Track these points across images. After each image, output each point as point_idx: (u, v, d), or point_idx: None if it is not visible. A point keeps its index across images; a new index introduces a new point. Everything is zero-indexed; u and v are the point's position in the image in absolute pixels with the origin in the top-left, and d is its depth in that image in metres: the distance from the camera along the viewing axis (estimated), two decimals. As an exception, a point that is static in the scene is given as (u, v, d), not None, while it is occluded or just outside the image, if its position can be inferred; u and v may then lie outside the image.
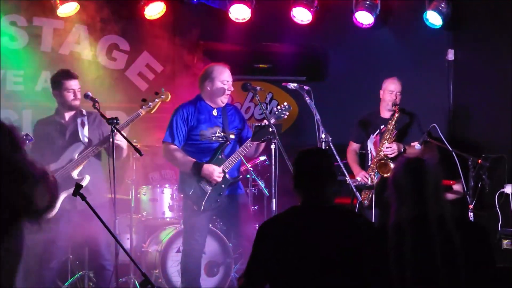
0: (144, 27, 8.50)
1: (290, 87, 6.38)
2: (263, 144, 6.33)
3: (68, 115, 6.52)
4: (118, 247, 5.34)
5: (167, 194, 7.87)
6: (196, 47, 8.60)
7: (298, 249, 3.81)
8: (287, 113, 6.35)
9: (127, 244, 7.45)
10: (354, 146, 7.55)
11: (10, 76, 8.37)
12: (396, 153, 7.14)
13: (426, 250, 3.62)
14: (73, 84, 6.47)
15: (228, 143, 6.31)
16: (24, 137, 6.22)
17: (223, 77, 6.34)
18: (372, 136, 7.36)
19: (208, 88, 6.36)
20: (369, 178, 7.17)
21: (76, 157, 6.34)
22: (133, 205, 7.72)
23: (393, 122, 7.24)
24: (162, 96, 6.45)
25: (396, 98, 7.33)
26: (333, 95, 8.81)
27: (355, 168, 7.37)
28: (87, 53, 8.56)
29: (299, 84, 6.39)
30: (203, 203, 6.22)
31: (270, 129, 5.92)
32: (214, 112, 6.39)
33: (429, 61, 9.09)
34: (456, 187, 7.57)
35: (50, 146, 6.42)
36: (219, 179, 6.19)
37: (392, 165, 7.04)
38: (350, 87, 8.91)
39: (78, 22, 8.45)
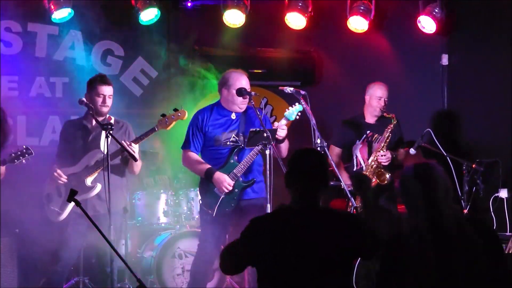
0: (139, 32, 8.51)
1: (286, 91, 6.39)
2: (283, 145, 6.27)
3: (94, 121, 6.46)
4: (114, 253, 5.33)
5: (162, 200, 7.87)
6: (191, 52, 8.60)
7: (297, 247, 3.81)
8: (299, 113, 6.30)
9: (122, 250, 7.43)
10: (336, 151, 7.43)
11: (5, 82, 8.35)
12: (390, 161, 7.13)
13: (449, 254, 3.63)
14: (106, 89, 6.48)
15: (241, 147, 6.30)
16: (24, 150, 6.24)
17: (239, 83, 6.33)
18: (358, 142, 7.33)
19: (225, 95, 6.38)
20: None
21: (92, 164, 6.35)
22: (128, 211, 7.70)
23: (389, 131, 7.20)
24: (179, 114, 6.45)
25: (384, 105, 7.30)
26: (328, 100, 8.81)
27: (343, 176, 7.26)
28: (82, 59, 8.55)
29: (295, 88, 6.40)
30: (216, 207, 6.25)
31: (265, 135, 5.92)
32: (233, 116, 6.39)
33: (423, 66, 9.11)
34: None
35: (72, 148, 6.48)
36: (227, 189, 6.19)
37: (387, 175, 7.04)
38: (344, 92, 8.92)
39: (72, 28, 8.45)
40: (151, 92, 8.72)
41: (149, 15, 8.34)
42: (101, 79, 6.53)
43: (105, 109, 6.49)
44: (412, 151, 7.17)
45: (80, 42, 8.54)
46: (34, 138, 8.32)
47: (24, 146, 6.38)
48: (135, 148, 6.28)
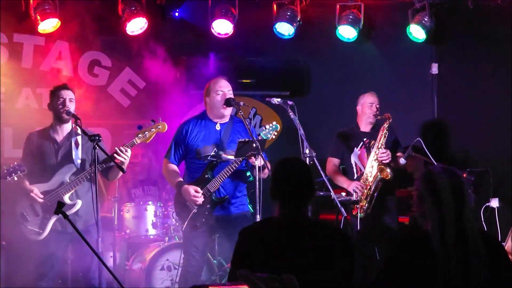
0: (126, 43, 8.51)
1: (273, 102, 6.39)
2: (263, 172, 6.09)
3: (61, 131, 6.41)
4: (102, 266, 5.34)
5: (150, 211, 7.88)
6: (178, 62, 8.61)
7: (273, 265, 3.73)
8: (275, 133, 6.30)
9: (110, 262, 7.43)
10: (335, 161, 7.46)
11: (-9, 93, 8.35)
12: (390, 159, 7.16)
13: (467, 265, 3.66)
14: (65, 93, 6.38)
15: (216, 162, 6.25)
16: (17, 167, 6.15)
17: (217, 86, 6.34)
18: (356, 150, 7.36)
19: (208, 102, 6.39)
20: (364, 188, 7.12)
21: (68, 180, 6.27)
22: (116, 222, 7.72)
23: (385, 130, 7.25)
24: (159, 127, 6.36)
25: (377, 111, 7.36)
26: (317, 110, 8.85)
27: (344, 180, 7.30)
28: (69, 69, 8.56)
29: (282, 99, 6.41)
30: (187, 221, 6.22)
31: (254, 145, 5.93)
32: (217, 127, 6.37)
33: (413, 75, 9.17)
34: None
35: (42, 162, 6.34)
36: (197, 201, 6.17)
37: (388, 169, 7.09)
38: (334, 102, 8.95)
39: (59, 39, 8.45)
40: (139, 103, 8.73)
41: (136, 25, 8.34)
42: (61, 86, 6.47)
43: (66, 116, 6.32)
44: (402, 160, 7.22)
45: (67, 52, 8.55)
46: (21, 150, 8.27)
47: (16, 163, 6.30)
48: (129, 154, 6.22)
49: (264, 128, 6.28)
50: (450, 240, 3.66)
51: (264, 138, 6.23)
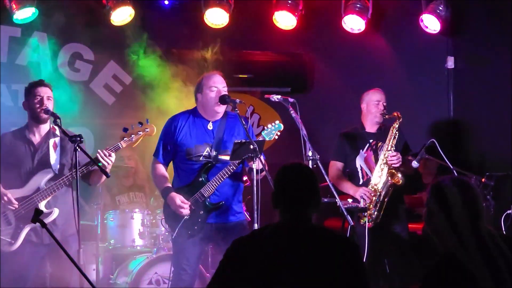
0: (111, 34, 8.51)
1: (273, 100, 6.38)
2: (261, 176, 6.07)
3: (38, 132, 6.39)
4: (84, 280, 5.34)
5: (137, 220, 7.88)
6: (168, 56, 8.61)
7: (272, 275, 3.77)
8: (278, 133, 6.29)
9: (93, 276, 7.43)
10: (338, 165, 7.42)
11: (-38, 90, 8.36)
12: (400, 163, 7.15)
13: (495, 271, 3.71)
14: (42, 90, 6.34)
15: (212, 163, 6.25)
16: None
17: (210, 82, 6.33)
18: (361, 152, 7.34)
19: (200, 99, 6.39)
20: (373, 195, 7.11)
21: (44, 186, 6.23)
22: (99, 232, 7.72)
23: (395, 130, 7.24)
24: (147, 130, 6.33)
25: (384, 109, 7.33)
26: (321, 108, 8.85)
27: (350, 186, 7.28)
28: (47, 63, 8.56)
29: (283, 96, 6.41)
30: (177, 229, 6.22)
31: (251, 146, 5.93)
32: (209, 126, 6.36)
33: (426, 70, 9.16)
34: None
35: (16, 166, 6.30)
36: (181, 212, 6.18)
37: (399, 174, 7.08)
38: (339, 99, 8.96)
39: (37, 29, 8.46)
40: (124, 100, 8.74)
41: (121, 15, 8.35)
42: (37, 82, 6.45)
43: (44, 115, 6.29)
44: (414, 163, 7.21)
45: (45, 45, 8.56)
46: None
47: None
48: (113, 159, 6.20)
49: (265, 128, 6.29)
50: (475, 255, 3.69)
51: (266, 138, 6.24)
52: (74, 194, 5.89)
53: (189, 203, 6.16)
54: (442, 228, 3.80)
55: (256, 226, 5.85)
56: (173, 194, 6.20)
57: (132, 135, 6.29)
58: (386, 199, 7.14)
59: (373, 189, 7.16)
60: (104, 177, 6.26)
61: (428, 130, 8.61)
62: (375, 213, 7.12)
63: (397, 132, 7.23)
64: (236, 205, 6.38)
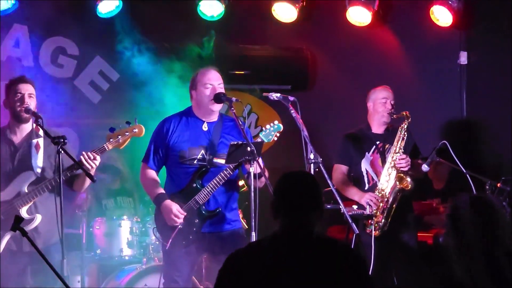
0: (97, 27, 8.51)
1: (271, 98, 6.36)
2: (259, 181, 6.04)
3: (19, 132, 6.38)
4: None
5: (125, 228, 7.88)
6: (160, 50, 8.60)
7: (286, 285, 3.78)
8: (277, 134, 6.28)
9: (77, 288, 7.45)
10: (343, 169, 7.40)
11: None
12: (409, 166, 7.14)
13: None
14: (23, 87, 6.33)
15: (207, 168, 6.24)
16: None
17: (205, 79, 6.32)
18: (367, 155, 7.33)
19: (194, 97, 6.39)
20: (380, 201, 7.10)
21: (25, 191, 6.22)
22: (84, 241, 7.71)
23: (403, 131, 7.22)
24: (135, 130, 6.30)
25: (392, 108, 7.32)
26: (323, 107, 8.85)
27: (355, 192, 7.26)
28: (28, 58, 8.55)
29: (282, 94, 6.40)
30: (171, 239, 6.21)
31: (249, 149, 5.91)
32: (204, 127, 6.35)
33: (437, 66, 9.16)
34: None
35: None
36: (176, 222, 6.20)
37: (408, 179, 7.07)
38: (344, 97, 8.95)
39: (16, 22, 8.45)
40: (112, 99, 8.73)
41: (108, 7, 8.35)
42: (18, 78, 6.43)
43: (25, 114, 6.28)
44: (424, 167, 7.19)
45: (26, 38, 8.55)
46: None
47: None
48: (97, 162, 6.19)
49: (263, 129, 6.27)
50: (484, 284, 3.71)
51: (265, 140, 6.22)
52: (58, 200, 5.87)
53: (185, 213, 6.16)
54: (453, 252, 3.81)
55: (254, 234, 5.83)
56: (168, 202, 6.19)
57: (119, 136, 6.27)
58: (394, 205, 7.13)
59: (380, 195, 7.15)
60: (88, 182, 6.25)
61: (439, 131, 8.60)
62: (383, 220, 7.10)
63: (405, 133, 7.21)
64: (231, 212, 6.38)
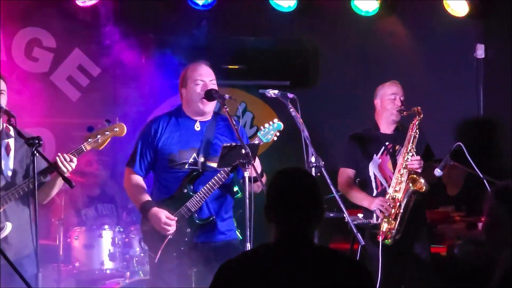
0: (76, 17, 8.51)
1: (268, 95, 6.33)
2: (256, 184, 6.05)
3: (17, 133, 6.35)
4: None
5: (107, 238, 7.87)
6: (145, 42, 8.61)
7: None
8: (277, 133, 6.29)
9: (53, 306, 7.45)
10: (349, 173, 7.35)
11: None
12: (422, 168, 7.13)
13: None
14: None
15: (199, 172, 6.22)
16: None
17: (196, 75, 6.30)
18: (376, 157, 7.31)
19: (184, 95, 6.37)
20: (392, 206, 7.08)
21: None
22: (61, 253, 7.71)
23: (415, 129, 7.22)
24: (116, 129, 6.25)
25: (402, 105, 7.31)
26: (326, 106, 8.85)
27: (363, 197, 7.20)
28: (-1, 51, 8.58)
29: (280, 90, 6.40)
30: (160, 251, 6.20)
31: (243, 151, 5.90)
32: (196, 127, 6.33)
33: (452, 60, 9.18)
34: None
35: None
36: (168, 230, 6.18)
37: (422, 180, 7.06)
38: (348, 94, 8.96)
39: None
40: (92, 96, 8.72)
41: (89, -7, 8.39)
42: None
43: None
44: (437, 171, 7.18)
45: (-4, 30, 8.58)
46: None
47: None
48: (74, 164, 6.17)
49: (262, 128, 6.28)
50: None
51: (263, 140, 6.23)
52: (31, 207, 5.85)
53: (176, 219, 6.14)
54: (507, 244, 3.82)
55: (248, 246, 5.83)
56: (156, 209, 6.15)
57: (98, 136, 6.22)
58: (408, 210, 7.11)
59: (392, 199, 7.14)
60: (55, 190, 6.25)
61: (453, 132, 8.61)
62: (396, 227, 7.09)
63: (417, 131, 7.21)
64: (225, 221, 6.36)
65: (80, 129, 7.66)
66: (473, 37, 9.18)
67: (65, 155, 6.11)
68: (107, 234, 7.89)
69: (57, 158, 6.09)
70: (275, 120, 6.29)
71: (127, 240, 7.92)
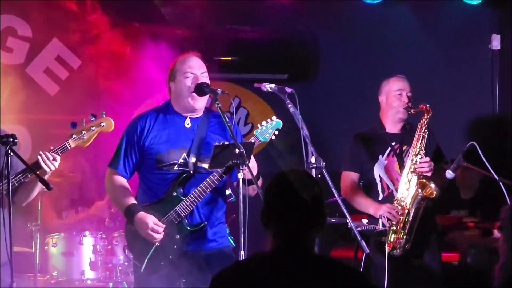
0: (54, 3, 8.48)
1: (265, 90, 6.32)
2: (252, 187, 6.06)
3: None
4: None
5: (88, 245, 7.87)
6: (130, 32, 8.59)
7: None
8: (276, 132, 6.27)
9: (29, 319, 7.43)
10: (353, 177, 7.37)
11: None
12: (432, 170, 7.12)
13: None
14: None
15: (190, 174, 6.20)
16: None
17: (185, 67, 6.28)
18: (381, 159, 7.32)
19: (173, 90, 6.35)
20: (401, 213, 7.07)
21: None
22: (38, 261, 7.68)
23: (424, 128, 7.20)
24: (102, 124, 6.24)
25: (409, 102, 7.31)
26: (328, 102, 8.84)
27: (369, 203, 7.22)
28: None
29: (278, 85, 6.39)
30: (146, 259, 6.19)
31: (237, 150, 5.88)
32: (187, 123, 6.32)
33: (465, 52, 9.17)
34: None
35: None
36: (155, 238, 6.16)
37: (432, 185, 7.05)
38: (351, 90, 8.96)
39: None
40: (72, 90, 8.70)
41: (69, -22, 8.37)
42: None
43: None
44: (449, 174, 7.18)
45: (-33, 18, 8.58)
46: None
47: None
48: (57, 164, 6.15)
49: (259, 126, 6.26)
50: None
51: (261, 139, 6.22)
52: (5, 212, 5.84)
53: (164, 225, 6.12)
54: None
55: (242, 254, 5.82)
56: (143, 214, 6.13)
57: (83, 132, 6.21)
58: (417, 218, 7.09)
59: (399, 206, 7.13)
60: (36, 190, 6.23)
61: (467, 130, 8.60)
62: (404, 236, 7.08)
63: (426, 131, 7.20)
64: (217, 227, 6.35)
65: (59, 126, 7.71)
66: (488, 26, 9.16)
67: (47, 153, 6.09)
68: (88, 241, 7.88)
69: (39, 156, 6.07)
70: (274, 118, 6.28)
71: (109, 247, 7.91)
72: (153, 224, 6.07)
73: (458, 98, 8.95)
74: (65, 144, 6.14)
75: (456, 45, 9.18)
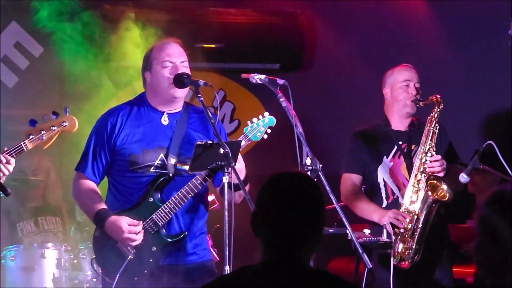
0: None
1: (253, 81, 6.30)
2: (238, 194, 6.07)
3: None
4: None
5: (51, 259, 7.87)
6: (101, 15, 8.58)
7: None
8: (268, 130, 6.30)
9: None
10: (354, 179, 7.35)
11: None
12: (445, 171, 7.11)
13: None
14: None
15: (169, 177, 6.19)
16: None
17: (163, 55, 6.26)
18: (386, 160, 7.30)
19: (149, 81, 6.34)
20: (409, 220, 7.07)
21: None
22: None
23: (434, 122, 7.19)
24: (64, 123, 6.19)
25: (417, 94, 7.29)
26: (325, 95, 8.85)
27: (373, 209, 7.20)
28: None
29: (268, 76, 6.38)
30: (118, 275, 6.14)
31: (221, 151, 5.89)
32: (164, 120, 6.32)
33: (481, 40, 9.19)
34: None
35: None
36: (134, 240, 6.14)
37: (444, 186, 7.04)
38: (352, 81, 8.97)
39: None
40: (33, 82, 8.71)
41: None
42: None
43: None
44: (463, 177, 7.15)
45: None
46: None
47: None
48: (11, 167, 6.14)
49: (249, 123, 6.27)
50: None
51: (251, 138, 6.25)
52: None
53: (141, 223, 6.08)
54: (502, 259, 3.80)
55: (227, 269, 5.81)
56: (114, 217, 6.09)
57: (43, 131, 6.18)
58: (428, 225, 7.08)
59: (407, 212, 7.12)
60: None
61: (483, 128, 8.60)
62: (414, 247, 7.07)
63: (437, 125, 7.19)
64: (198, 238, 6.34)
65: (18, 123, 7.69)
66: (507, 12, 9.17)
67: (0, 155, 6.06)
68: (51, 254, 7.88)
69: None
70: (266, 114, 6.28)
71: (75, 261, 7.94)
72: (129, 226, 6.03)
73: (473, 92, 8.98)
74: (21, 144, 6.10)
75: (470, 32, 9.22)
